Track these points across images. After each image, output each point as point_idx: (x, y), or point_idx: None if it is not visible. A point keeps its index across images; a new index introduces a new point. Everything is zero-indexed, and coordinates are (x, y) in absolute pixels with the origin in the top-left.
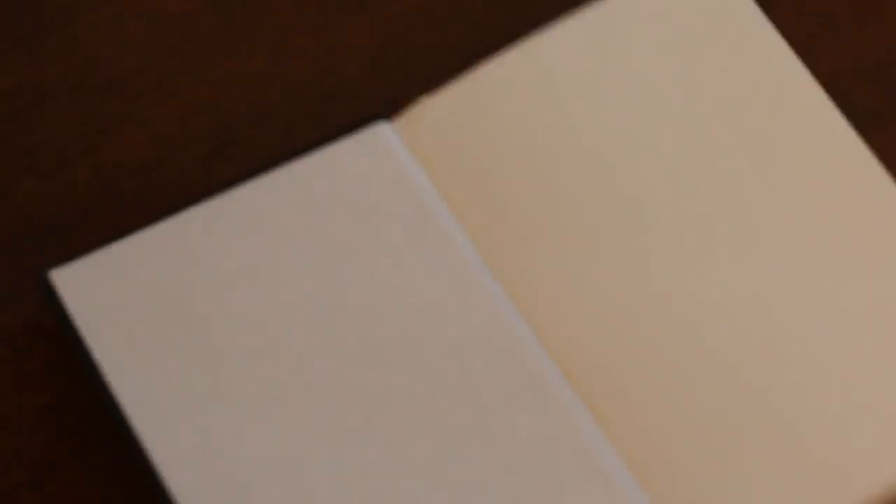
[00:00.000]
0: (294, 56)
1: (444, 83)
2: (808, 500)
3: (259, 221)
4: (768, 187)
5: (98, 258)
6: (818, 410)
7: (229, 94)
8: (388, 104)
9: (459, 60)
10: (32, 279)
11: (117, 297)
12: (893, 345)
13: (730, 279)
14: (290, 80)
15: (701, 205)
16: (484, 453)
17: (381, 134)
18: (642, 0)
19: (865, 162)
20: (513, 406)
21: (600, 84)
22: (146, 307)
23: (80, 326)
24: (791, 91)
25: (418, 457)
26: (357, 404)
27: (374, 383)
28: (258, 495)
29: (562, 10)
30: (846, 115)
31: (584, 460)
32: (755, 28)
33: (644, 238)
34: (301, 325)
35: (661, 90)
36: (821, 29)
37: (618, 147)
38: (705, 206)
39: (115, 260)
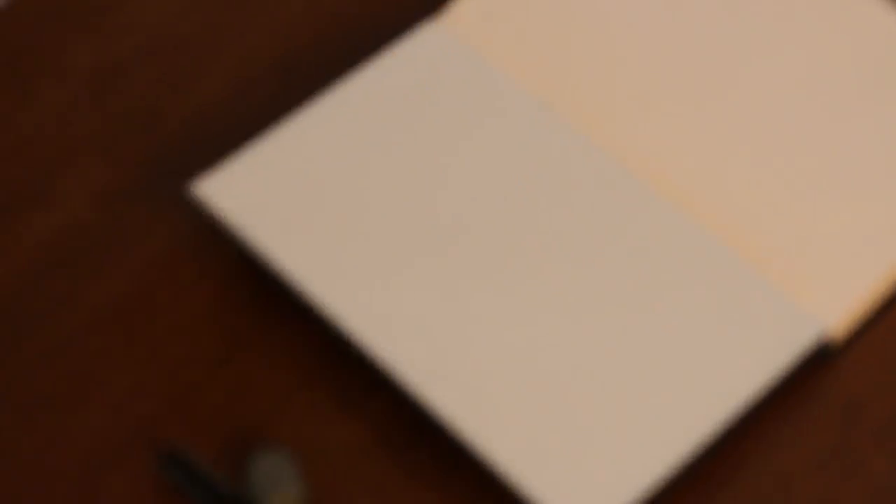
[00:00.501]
0: None
1: None
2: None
3: (361, 116)
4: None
5: (233, 166)
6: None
7: (282, 33)
8: (425, 11)
9: None
10: (178, 195)
11: (261, 194)
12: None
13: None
14: (328, 14)
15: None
16: (630, 283)
17: (434, 31)
18: None
19: None
20: (634, 229)
21: None
22: (290, 198)
23: (237, 227)
24: None
25: (572, 298)
26: (499, 259)
27: (508, 240)
28: (446, 345)
29: None
30: None
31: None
32: None
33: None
34: (431, 196)
35: None
36: None
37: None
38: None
39: (249, 163)
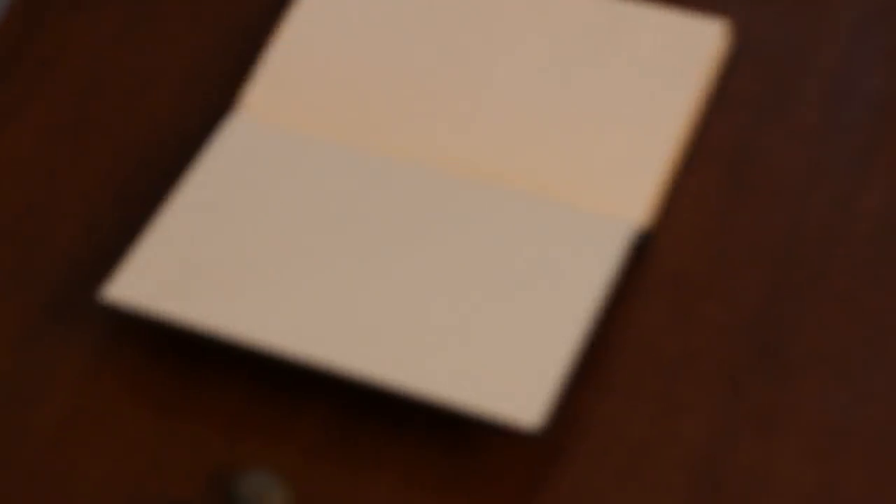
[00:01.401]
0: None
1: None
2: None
3: (210, 206)
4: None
5: (127, 267)
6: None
7: (113, 162)
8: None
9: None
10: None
11: (158, 281)
12: None
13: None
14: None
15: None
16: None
17: (237, 121)
18: None
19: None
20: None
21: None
22: (184, 276)
23: (156, 311)
24: None
25: (428, 271)
26: (363, 259)
27: (364, 245)
28: (353, 331)
29: None
30: None
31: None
32: None
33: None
34: (293, 237)
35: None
36: None
37: (409, 46)
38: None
39: (138, 261)
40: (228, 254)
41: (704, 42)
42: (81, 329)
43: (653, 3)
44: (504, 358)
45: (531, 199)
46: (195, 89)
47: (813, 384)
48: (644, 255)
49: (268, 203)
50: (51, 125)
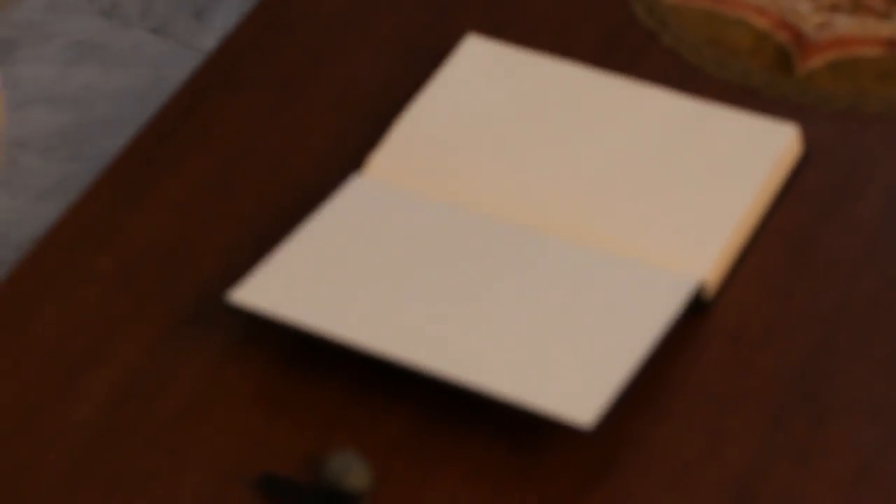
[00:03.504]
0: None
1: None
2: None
3: (331, 241)
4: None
5: (254, 277)
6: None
7: (256, 209)
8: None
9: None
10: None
11: (281, 289)
12: None
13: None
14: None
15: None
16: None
17: (360, 180)
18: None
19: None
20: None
21: (496, 100)
22: (303, 287)
23: (274, 313)
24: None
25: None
26: (466, 287)
27: (470, 278)
28: (448, 340)
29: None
30: None
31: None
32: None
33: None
34: (401, 269)
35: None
36: None
37: (523, 132)
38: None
39: (265, 273)
40: (336, 274)
41: (779, 142)
42: (210, 334)
43: (742, 109)
44: (568, 372)
45: (611, 255)
46: (330, 158)
47: (847, 426)
48: (707, 311)
49: (374, 241)
50: (203, 179)
